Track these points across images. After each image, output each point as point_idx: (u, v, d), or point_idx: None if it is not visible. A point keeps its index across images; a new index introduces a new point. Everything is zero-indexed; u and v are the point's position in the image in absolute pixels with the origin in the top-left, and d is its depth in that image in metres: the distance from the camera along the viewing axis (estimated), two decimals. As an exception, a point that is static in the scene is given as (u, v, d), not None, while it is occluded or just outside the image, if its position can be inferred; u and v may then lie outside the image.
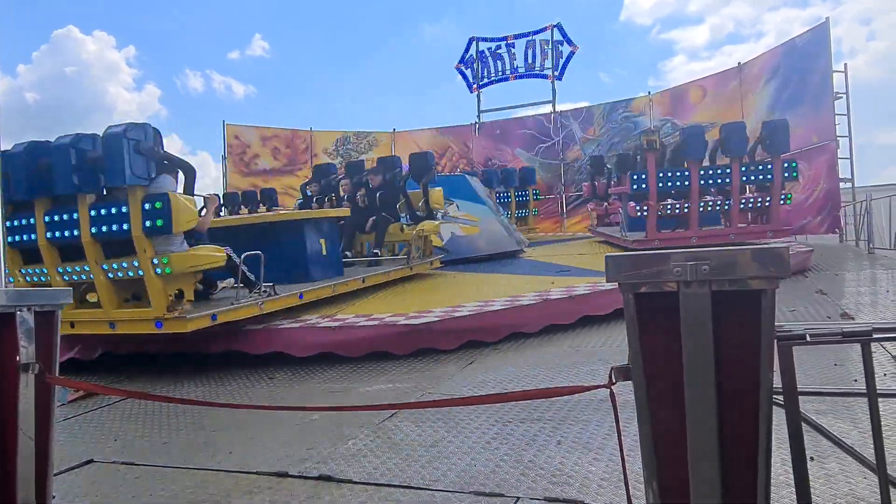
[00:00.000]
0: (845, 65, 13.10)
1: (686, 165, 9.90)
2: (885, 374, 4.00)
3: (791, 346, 1.40)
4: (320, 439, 3.65)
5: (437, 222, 9.74)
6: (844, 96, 12.82)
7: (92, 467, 3.51)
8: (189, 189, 5.68)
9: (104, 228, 5.37)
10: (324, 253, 7.84)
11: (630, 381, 1.47)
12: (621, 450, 1.54)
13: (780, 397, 1.46)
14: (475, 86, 19.57)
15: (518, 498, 2.71)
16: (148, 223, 5.24)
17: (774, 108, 14.36)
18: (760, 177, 9.92)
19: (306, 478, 3.10)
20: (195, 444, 3.77)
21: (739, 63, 15.65)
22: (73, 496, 3.09)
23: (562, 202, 18.73)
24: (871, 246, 11.30)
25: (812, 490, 2.54)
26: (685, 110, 16.82)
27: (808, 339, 1.41)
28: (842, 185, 12.75)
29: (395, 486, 2.92)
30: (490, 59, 19.38)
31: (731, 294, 1.31)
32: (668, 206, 9.99)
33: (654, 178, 9.78)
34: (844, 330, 1.40)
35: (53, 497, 2.36)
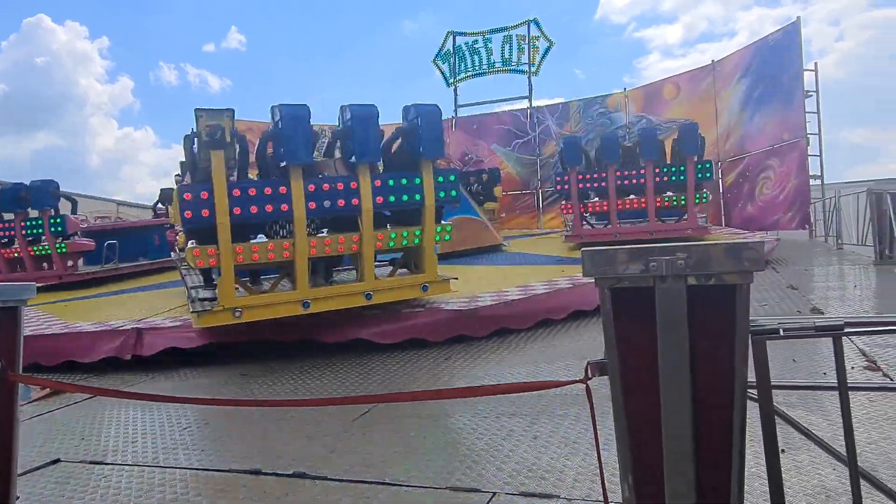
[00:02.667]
0: (815, 64, 13.35)
1: (607, 167, 10.58)
2: (852, 367, 4.08)
3: (765, 340, 1.40)
4: (295, 436, 3.61)
5: None
6: (815, 95, 13.06)
7: (59, 467, 3.43)
8: None
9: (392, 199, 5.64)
10: None
11: (607, 376, 1.47)
12: (597, 444, 1.54)
13: (753, 391, 1.47)
14: (452, 80, 19.51)
15: (494, 493, 2.71)
16: (443, 194, 5.79)
17: (746, 106, 14.58)
18: (675, 178, 10.37)
19: (280, 475, 3.06)
20: (165, 442, 3.70)
21: (713, 61, 15.84)
22: (39, 496, 3.00)
23: (538, 197, 18.80)
24: (839, 242, 11.55)
25: (784, 481, 2.58)
26: (660, 107, 16.98)
27: (782, 333, 1.41)
28: (812, 182, 12.99)
29: (369, 482, 2.90)
30: (467, 53, 19.34)
31: (707, 289, 1.31)
32: (592, 205, 10.99)
33: (575, 180, 10.70)
34: (817, 324, 1.41)
35: (17, 498, 2.29)
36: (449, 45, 19.48)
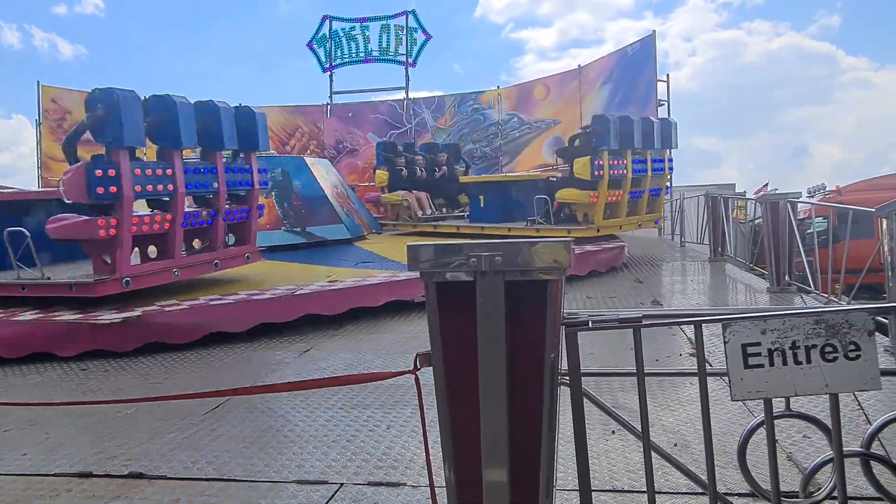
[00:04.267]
0: (668, 75, 14.50)
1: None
2: (680, 355, 4.51)
3: (576, 331, 1.52)
4: (134, 435, 3.40)
5: None
6: (666, 104, 14.21)
7: None
8: None
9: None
10: None
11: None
12: (424, 430, 1.60)
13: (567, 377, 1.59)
14: (327, 66, 19.11)
15: (342, 484, 2.72)
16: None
17: (608, 109, 15.56)
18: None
19: (113, 476, 2.87)
20: (-17, 445, 3.34)
21: (579, 65, 16.74)
22: None
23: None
24: (682, 240, 12.68)
25: (609, 460, 2.81)
26: (530, 106, 17.69)
27: (591, 325, 1.53)
28: (662, 183, 14.14)
29: (213, 479, 2.80)
30: (344, 39, 19.01)
31: (522, 283, 1.40)
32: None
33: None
34: (620, 317, 1.54)
35: None
36: (325, 30, 19.05)
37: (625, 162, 8.82)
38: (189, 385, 4.40)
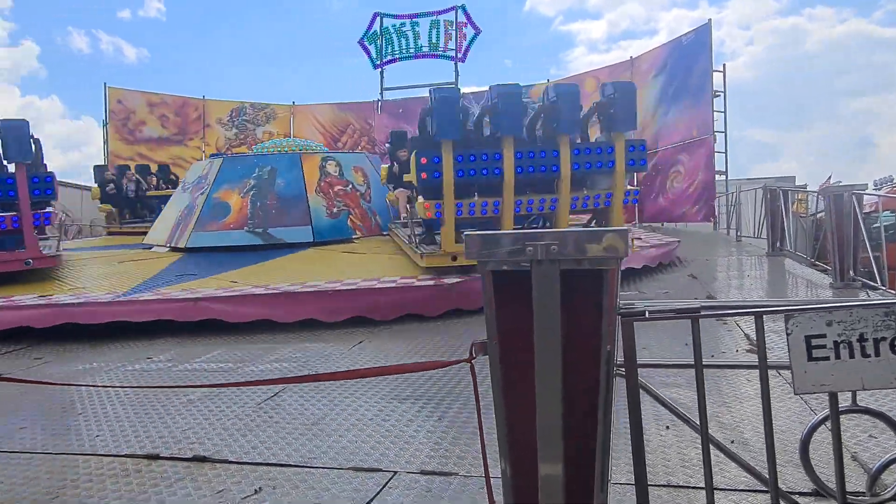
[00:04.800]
0: (724, 65, 14.09)
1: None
2: (737, 351, 4.39)
3: (632, 321, 1.51)
4: (198, 420, 3.54)
5: None
6: (722, 94, 13.79)
7: (-64, 455, 3.22)
8: None
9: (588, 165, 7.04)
10: None
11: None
12: (479, 419, 1.61)
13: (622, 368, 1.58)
14: (378, 62, 19.30)
15: (395, 472, 2.77)
16: (632, 162, 7.13)
17: (661, 102, 15.22)
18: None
19: (179, 459, 3.00)
20: (57, 428, 3.54)
21: (631, 57, 16.40)
22: (-88, 487, 2.82)
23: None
24: (739, 234, 12.31)
25: (665, 455, 2.78)
26: (581, 99, 17.42)
27: (647, 315, 1.52)
28: (717, 177, 13.76)
29: (271, 464, 2.89)
30: (394, 36, 19.17)
31: (577, 272, 1.40)
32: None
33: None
34: (677, 307, 1.53)
35: None
36: (376, 27, 19.24)
37: None
38: (247, 374, 4.55)
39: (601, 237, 1.36)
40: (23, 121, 7.27)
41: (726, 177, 14.06)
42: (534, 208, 7.07)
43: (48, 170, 7.79)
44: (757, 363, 1.52)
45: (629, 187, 7.83)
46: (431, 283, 6.51)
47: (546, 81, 18.28)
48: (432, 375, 4.11)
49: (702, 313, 1.51)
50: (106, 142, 17.61)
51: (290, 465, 2.88)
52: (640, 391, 1.57)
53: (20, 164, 7.15)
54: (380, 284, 6.52)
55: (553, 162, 6.98)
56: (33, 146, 7.29)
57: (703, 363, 1.48)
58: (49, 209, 7.77)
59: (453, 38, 18.79)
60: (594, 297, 1.41)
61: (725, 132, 13.73)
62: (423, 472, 2.75)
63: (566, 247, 1.37)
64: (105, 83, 17.73)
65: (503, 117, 6.69)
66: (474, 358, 1.61)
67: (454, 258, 6.61)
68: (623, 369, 1.57)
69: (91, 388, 4.06)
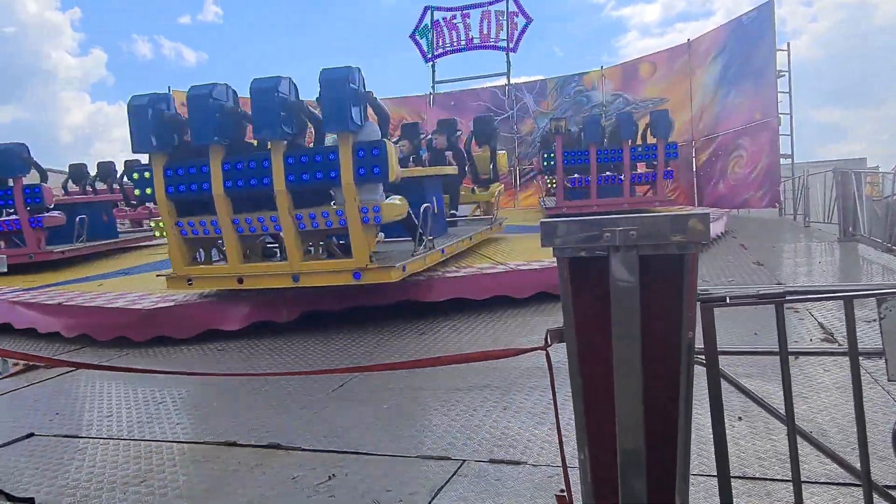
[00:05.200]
0: (788, 44, 13.51)
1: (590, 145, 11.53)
2: (811, 340, 4.24)
3: (712, 307, 1.48)
4: (269, 409, 3.66)
5: (501, 184, 10.74)
6: (787, 74, 13.23)
7: (32, 441, 3.44)
8: (385, 136, 5.62)
9: (305, 176, 5.23)
10: (435, 211, 7.65)
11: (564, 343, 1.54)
12: (555, 406, 1.62)
13: (702, 356, 1.55)
14: (430, 56, 19.36)
15: (464, 460, 2.80)
16: (363, 171, 5.13)
17: (721, 85, 14.72)
18: (647, 157, 11.68)
19: (255, 446, 3.12)
20: (141, 416, 3.73)
21: (689, 40, 15.92)
22: (13, 469, 3.03)
23: (515, 175, 18.85)
24: (807, 220, 11.81)
25: (738, 446, 2.71)
26: (636, 85, 17.06)
27: (728, 301, 1.49)
28: (782, 160, 13.22)
29: (343, 452, 2.97)
30: (445, 29, 19.17)
31: (656, 258, 1.38)
32: (572, 180, 12.05)
33: (560, 156, 11.63)
34: (760, 293, 1.49)
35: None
36: (427, 21, 19.29)
37: None
38: (314, 363, 4.67)
39: (682, 221, 1.34)
40: (21, 145, 9.20)
41: (792, 160, 13.50)
42: (257, 228, 5.56)
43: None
44: (844, 350, 1.47)
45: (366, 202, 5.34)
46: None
47: (600, 69, 17.96)
48: (496, 365, 4.12)
49: (787, 298, 1.47)
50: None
51: (360, 453, 2.95)
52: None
53: (17, 178, 9.05)
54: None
55: (265, 173, 5.32)
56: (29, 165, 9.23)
57: (790, 350, 1.44)
58: (43, 214, 9.31)
59: (504, 29, 18.66)
60: (674, 283, 1.39)
61: (791, 114, 13.18)
62: (492, 461, 2.77)
63: (646, 232, 1.35)
64: (169, 87, 18.39)
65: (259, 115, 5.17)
66: (549, 345, 1.61)
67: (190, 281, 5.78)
68: (700, 357, 1.54)
69: (168, 375, 4.24)
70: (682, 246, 1.33)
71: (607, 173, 11.91)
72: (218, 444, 3.17)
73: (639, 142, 11.93)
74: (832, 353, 3.23)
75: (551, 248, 1.47)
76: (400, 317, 5.96)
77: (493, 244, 8.81)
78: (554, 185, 12.32)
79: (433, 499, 2.47)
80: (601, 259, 1.42)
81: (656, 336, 1.43)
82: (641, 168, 12.00)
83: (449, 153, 9.62)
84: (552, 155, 11.79)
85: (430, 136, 10.70)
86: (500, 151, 11.04)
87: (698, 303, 1.48)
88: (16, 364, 4.90)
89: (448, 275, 6.47)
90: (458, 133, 10.34)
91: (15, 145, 9.15)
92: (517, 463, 2.74)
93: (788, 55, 13.23)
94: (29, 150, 9.26)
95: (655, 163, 11.55)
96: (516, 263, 6.77)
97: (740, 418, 2.99)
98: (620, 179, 11.68)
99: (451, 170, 9.03)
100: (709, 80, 15.13)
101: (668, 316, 1.42)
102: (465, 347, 4.82)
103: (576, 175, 12.07)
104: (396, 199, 5.72)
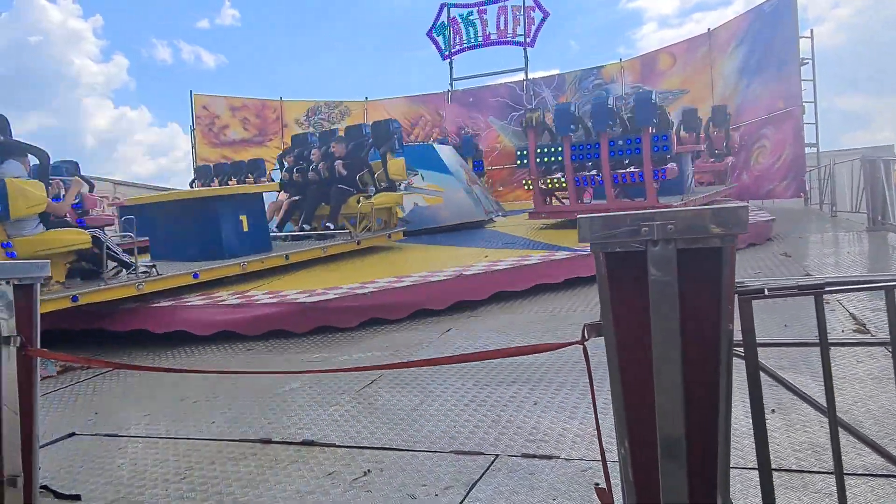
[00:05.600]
0: (811, 31, 13.30)
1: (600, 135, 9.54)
2: (842, 331, 4.19)
3: (750, 299, 1.49)
4: (302, 407, 3.71)
5: (397, 194, 9.55)
6: (810, 62, 13.03)
7: (74, 440, 3.54)
8: (44, 173, 5.84)
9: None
10: (245, 229, 7.73)
11: (601, 338, 1.55)
12: (593, 400, 1.63)
13: (741, 349, 1.56)
14: (447, 53, 19.37)
15: (497, 455, 2.82)
16: None
17: (742, 74, 14.54)
18: (631, 151, 9.43)
19: (290, 443, 3.17)
20: (177, 415, 3.81)
21: (709, 29, 15.75)
22: (58, 468, 3.12)
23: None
24: (834, 209, 11.63)
25: (773, 439, 2.70)
26: (655, 77, 16.92)
27: (767, 292, 1.50)
28: (806, 150, 13.03)
29: (377, 448, 3.01)
30: (462, 25, 19.18)
31: (695, 251, 1.39)
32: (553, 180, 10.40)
33: (533, 152, 10.07)
34: (800, 284, 1.49)
35: (38, 468, 2.39)
36: (443, 18, 19.30)
37: None
38: (343, 362, 4.72)
39: (720, 214, 1.34)
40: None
41: (817, 149, 13.31)
42: None
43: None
44: (883, 340, 1.47)
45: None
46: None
47: (618, 62, 17.83)
48: (523, 361, 4.15)
49: (827, 289, 1.47)
50: (194, 146, 18.55)
51: (394, 449, 2.99)
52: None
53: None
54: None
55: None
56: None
57: (830, 341, 1.44)
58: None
59: (522, 23, 18.61)
60: (712, 275, 1.40)
61: (815, 102, 12.99)
62: (524, 455, 2.79)
63: (683, 225, 1.36)
64: (191, 91, 18.66)
65: None
66: (587, 340, 1.63)
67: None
68: (737, 350, 1.55)
69: (200, 374, 4.33)
70: (720, 238, 1.34)
71: (627, 170, 9.80)
72: (253, 442, 3.23)
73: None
74: (873, 344, 3.20)
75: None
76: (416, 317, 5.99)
77: (343, 263, 8.16)
78: (550, 186, 10.68)
79: (469, 492, 2.50)
80: (638, 253, 1.43)
81: (695, 329, 1.44)
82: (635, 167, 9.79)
83: (339, 162, 9.06)
84: (525, 152, 10.34)
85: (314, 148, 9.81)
86: (397, 157, 9.49)
87: (736, 295, 1.48)
88: (55, 364, 5.03)
89: (185, 303, 6.23)
90: (395, 136, 9.41)
91: (65, 163, 10.40)
92: (550, 457, 2.75)
93: (812, 42, 13.04)
94: (78, 166, 10.67)
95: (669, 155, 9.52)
96: (275, 295, 6.27)
97: (773, 410, 2.97)
98: (632, 177, 9.62)
99: (256, 188, 8.91)
100: (730, 69, 14.96)
101: (706, 309, 1.43)
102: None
103: (583, 173, 10.12)
104: (63, 232, 5.86)
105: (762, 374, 1.64)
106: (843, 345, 2.93)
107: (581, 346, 1.69)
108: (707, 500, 1.46)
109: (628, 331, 1.49)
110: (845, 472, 2.34)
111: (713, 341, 1.44)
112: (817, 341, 1.59)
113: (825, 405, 1.59)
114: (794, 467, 2.48)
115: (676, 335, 1.43)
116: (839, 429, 1.58)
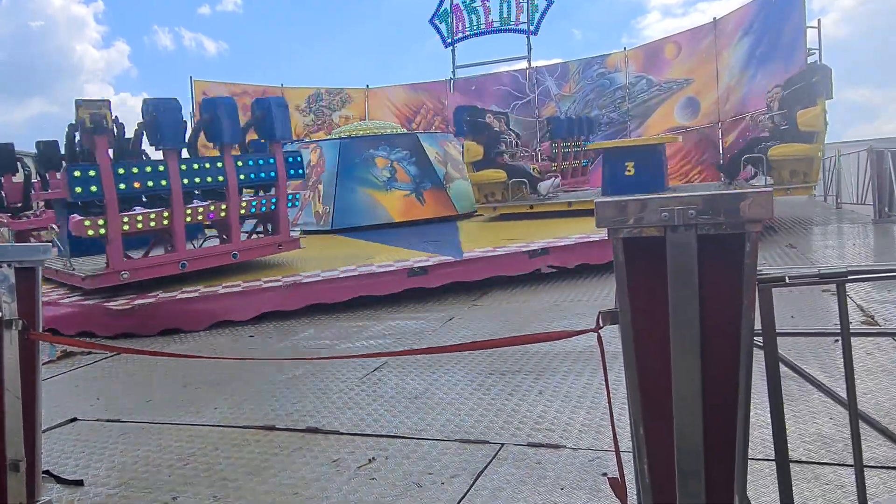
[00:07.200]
0: (819, 21, 13.14)
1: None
2: (850, 322, 4.15)
3: (771, 287, 1.45)
4: (306, 394, 3.69)
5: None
6: (817, 52, 12.90)
7: (76, 425, 3.52)
8: None
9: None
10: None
11: (616, 327, 1.51)
12: (607, 389, 1.60)
13: (758, 338, 1.52)
14: (450, 40, 19.22)
15: (503, 444, 2.80)
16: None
17: (748, 65, 14.41)
18: (257, 174, 7.12)
19: (294, 430, 3.15)
20: (179, 401, 3.78)
21: (714, 18, 15.60)
22: (59, 453, 3.10)
23: (537, 159, 18.69)
24: (839, 201, 11.57)
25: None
26: (660, 66, 16.78)
27: (787, 280, 1.46)
28: (812, 141, 12.92)
29: (382, 435, 2.99)
30: (465, 12, 19.01)
31: (716, 237, 1.35)
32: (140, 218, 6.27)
33: (110, 176, 5.94)
34: (821, 272, 1.45)
35: (41, 454, 2.37)
36: (446, 5, 19.13)
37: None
38: (345, 350, 4.69)
39: (743, 200, 1.30)
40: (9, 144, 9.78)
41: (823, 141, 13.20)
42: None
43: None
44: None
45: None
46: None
47: (623, 50, 17.69)
48: (527, 350, 4.12)
49: (849, 278, 1.43)
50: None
51: (399, 437, 2.97)
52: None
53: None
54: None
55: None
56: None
57: (851, 331, 1.41)
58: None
59: (525, 11, 18.44)
60: (733, 263, 1.36)
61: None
62: (531, 445, 2.77)
63: (705, 211, 1.32)
64: (191, 77, 18.52)
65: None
66: (601, 327, 1.59)
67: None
68: (758, 339, 1.51)
69: (203, 360, 4.30)
70: (744, 224, 1.30)
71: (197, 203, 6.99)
72: (257, 429, 3.21)
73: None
74: (893, 334, 3.17)
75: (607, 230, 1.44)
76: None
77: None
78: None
79: (475, 482, 2.47)
80: (657, 239, 1.39)
81: (715, 318, 1.40)
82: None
83: None
84: (91, 173, 7.63)
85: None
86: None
87: (756, 283, 1.44)
88: (56, 350, 5.00)
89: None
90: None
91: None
92: (557, 447, 2.73)
93: (819, 32, 12.88)
94: None
95: (272, 183, 7.24)
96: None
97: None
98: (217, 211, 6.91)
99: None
100: (736, 59, 14.82)
101: (727, 297, 1.39)
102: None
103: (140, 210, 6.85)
104: None
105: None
106: (864, 335, 2.90)
107: (595, 334, 1.66)
108: (724, 490, 1.44)
109: (645, 318, 1.45)
110: (875, 465, 2.32)
111: (734, 330, 1.41)
112: (837, 330, 1.56)
113: (840, 395, 1.55)
114: (803, 458, 2.46)
115: (696, 323, 1.40)
116: (863, 421, 1.54)
